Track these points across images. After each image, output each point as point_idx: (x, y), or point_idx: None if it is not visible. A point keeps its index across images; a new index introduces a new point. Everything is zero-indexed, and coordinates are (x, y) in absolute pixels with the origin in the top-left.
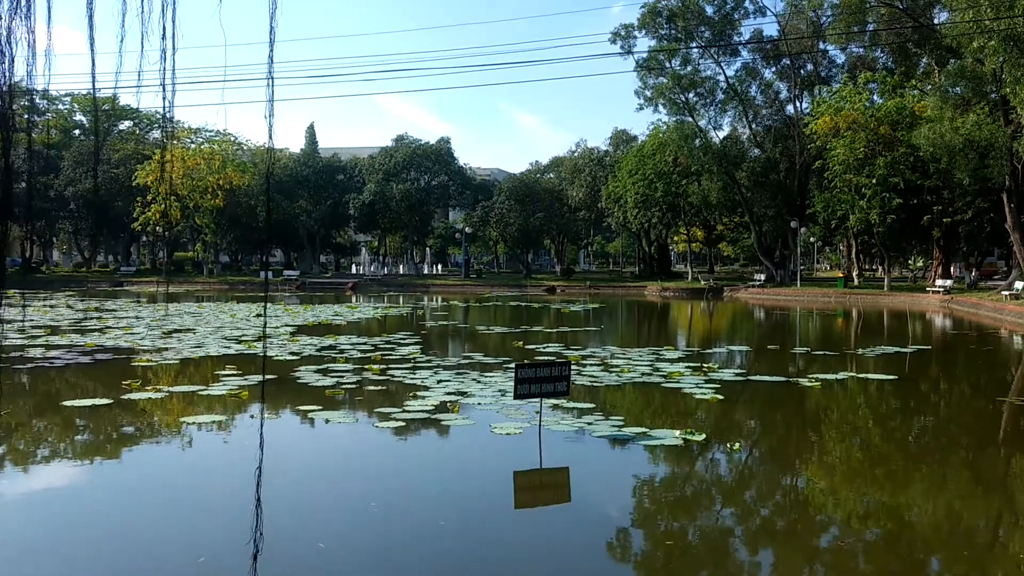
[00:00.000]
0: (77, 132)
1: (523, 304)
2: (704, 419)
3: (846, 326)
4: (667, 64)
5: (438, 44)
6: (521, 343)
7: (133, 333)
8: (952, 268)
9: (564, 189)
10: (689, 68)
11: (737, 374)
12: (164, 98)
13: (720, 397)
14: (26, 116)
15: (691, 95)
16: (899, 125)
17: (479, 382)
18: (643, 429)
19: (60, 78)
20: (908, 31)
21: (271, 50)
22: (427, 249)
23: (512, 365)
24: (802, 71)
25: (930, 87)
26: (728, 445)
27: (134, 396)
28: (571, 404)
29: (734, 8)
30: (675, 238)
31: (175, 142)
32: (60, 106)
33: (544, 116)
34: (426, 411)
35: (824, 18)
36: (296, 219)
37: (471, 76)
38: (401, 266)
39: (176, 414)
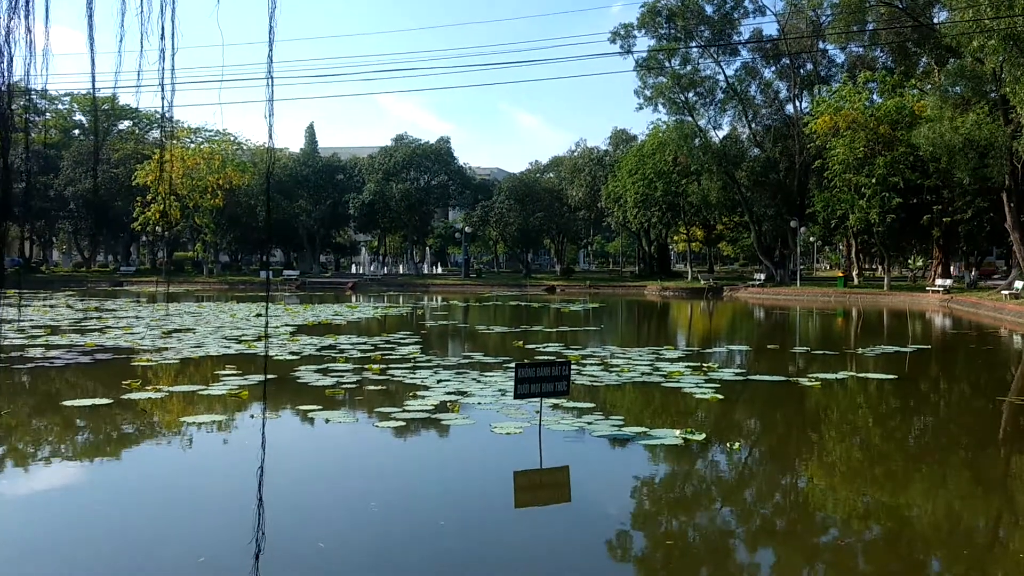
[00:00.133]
0: (76, 132)
1: (523, 304)
2: (704, 419)
3: (846, 325)
4: (667, 64)
5: (438, 44)
6: (521, 343)
7: (133, 333)
8: (951, 268)
9: (564, 189)
10: (689, 67)
11: (737, 374)
12: (163, 98)
13: (720, 397)
14: (25, 116)
15: (691, 94)
16: (899, 124)
17: (479, 382)
18: (643, 429)
19: (60, 78)
20: (908, 30)
21: (271, 50)
22: (427, 249)
23: (512, 365)
24: (802, 70)
25: (930, 86)
26: (728, 445)
27: (134, 396)
28: (571, 404)
29: (734, 7)
30: (675, 238)
31: (175, 142)
32: (59, 106)
33: (544, 116)
34: (426, 411)
35: (824, 17)
36: (296, 219)
37: (471, 76)
38: (401, 266)
39: (176, 414)
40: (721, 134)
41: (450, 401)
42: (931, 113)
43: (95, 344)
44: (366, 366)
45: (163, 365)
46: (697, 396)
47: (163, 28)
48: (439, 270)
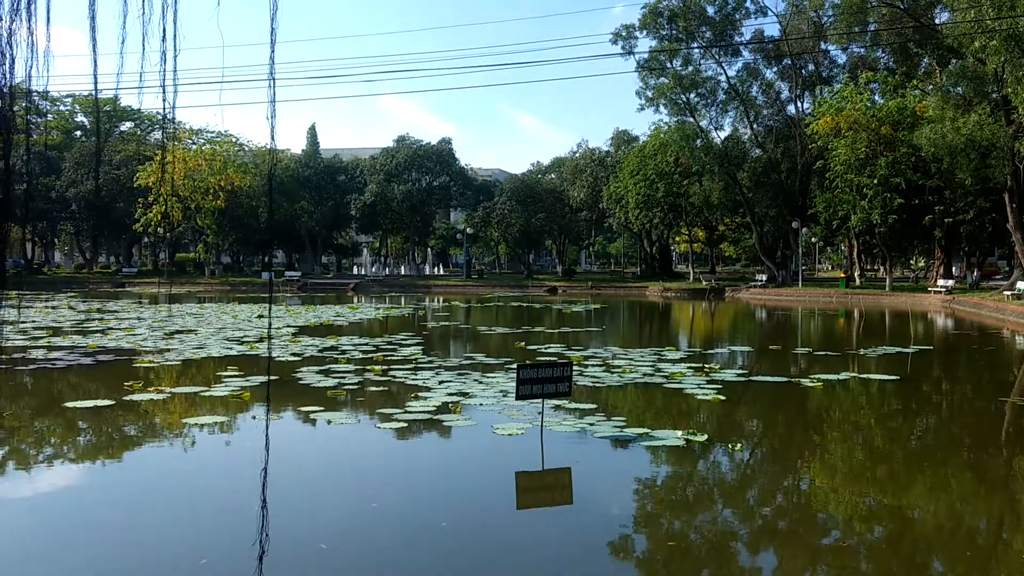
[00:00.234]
0: (78, 133)
1: (525, 305)
2: (706, 420)
3: (848, 326)
4: (668, 64)
5: (439, 45)
6: (523, 344)
7: (135, 334)
8: (953, 268)
9: (565, 189)
10: (690, 68)
11: (739, 374)
12: (164, 100)
13: (722, 398)
14: (27, 117)
15: (692, 95)
16: (900, 125)
17: (481, 383)
18: (645, 430)
19: (62, 79)
20: (909, 31)
21: (272, 51)
22: (428, 250)
23: (514, 366)
24: (803, 71)
25: (931, 87)
26: (730, 446)
27: (136, 397)
28: (573, 405)
29: (735, 8)
30: (677, 238)
31: (177, 143)
32: (61, 107)
33: (545, 117)
34: (428, 412)
35: (825, 18)
36: (297, 220)
37: (472, 77)
38: (403, 267)
39: (178, 415)
40: (723, 135)
41: (452, 402)
42: (933, 114)
43: (97, 345)
44: (368, 367)
45: (165, 366)
46: (699, 397)
47: (164, 30)
48: (441, 271)
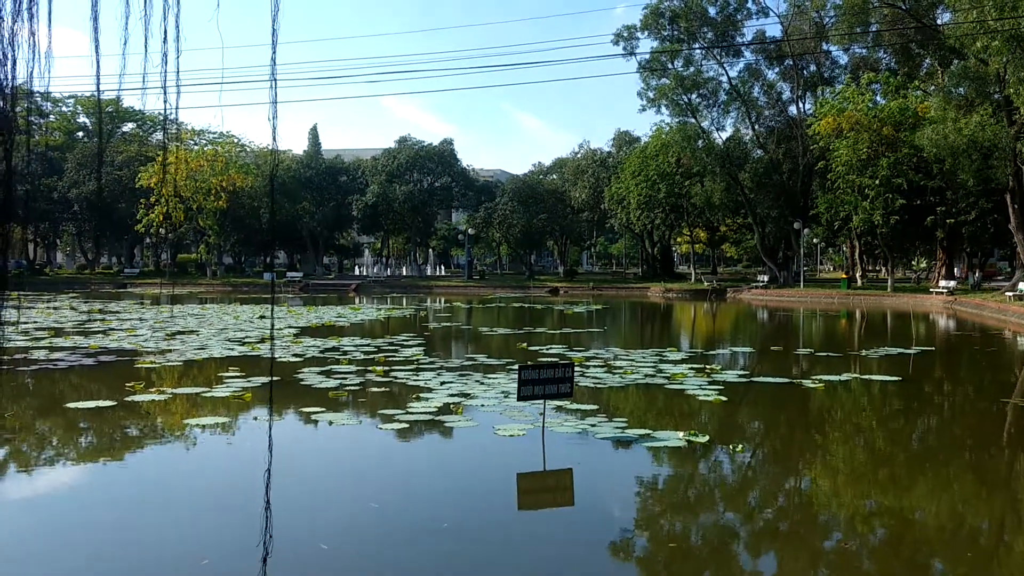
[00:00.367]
0: (80, 134)
1: (526, 305)
2: (708, 421)
3: (849, 327)
4: (670, 65)
5: (441, 46)
6: (524, 344)
7: (136, 335)
8: (955, 269)
9: (567, 190)
10: (692, 69)
11: (740, 375)
12: (165, 101)
13: (723, 399)
14: (28, 118)
15: (694, 96)
16: (902, 126)
17: (482, 384)
18: (646, 431)
19: (64, 80)
20: (911, 32)
21: (274, 52)
22: (430, 251)
23: (515, 367)
24: (805, 72)
25: (933, 88)
26: (731, 447)
27: (138, 398)
28: (574, 406)
29: (737, 9)
30: (678, 239)
31: (178, 144)
32: (63, 108)
33: (547, 117)
34: (429, 413)
35: (827, 19)
36: (299, 221)
37: (473, 78)
38: (404, 268)
39: (180, 416)
40: (724, 136)
41: (453, 403)
42: (935, 114)
43: (99, 346)
44: (369, 368)
45: (167, 367)
46: (700, 398)
47: (165, 31)
48: (442, 272)
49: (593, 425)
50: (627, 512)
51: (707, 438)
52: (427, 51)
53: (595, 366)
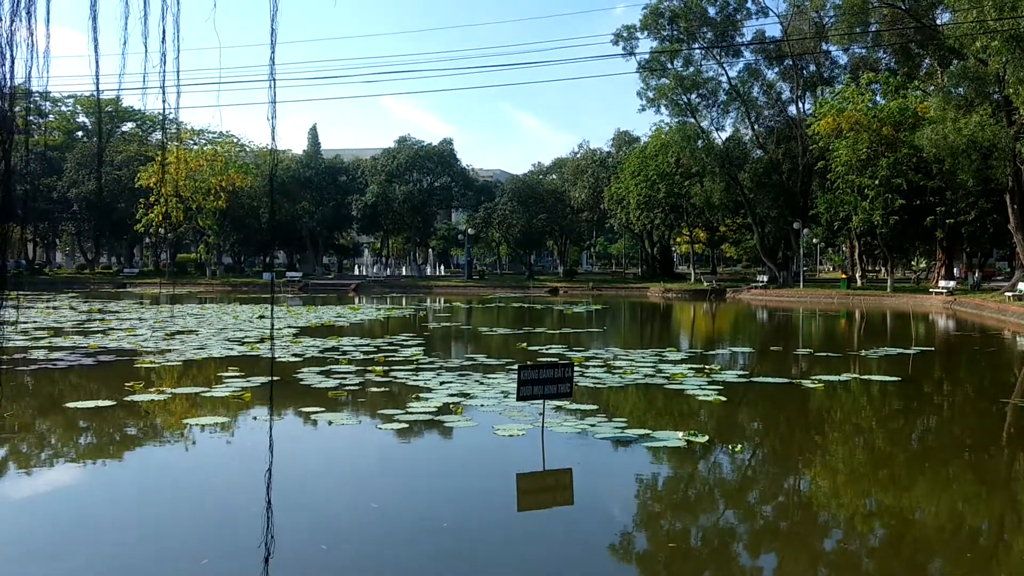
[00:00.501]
0: (80, 134)
1: (526, 305)
2: (707, 421)
3: (849, 327)
4: (669, 65)
5: (440, 46)
6: (524, 344)
7: (136, 335)
8: (954, 269)
9: (567, 190)
10: (691, 69)
11: (740, 375)
12: (164, 101)
13: (723, 399)
14: (27, 118)
15: (693, 96)
16: (902, 126)
17: (482, 384)
18: (646, 431)
19: (63, 80)
20: (911, 32)
21: (272, 52)
22: (430, 250)
23: (515, 367)
24: (805, 72)
25: (933, 88)
26: (731, 447)
27: (137, 398)
28: (574, 406)
29: (736, 9)
30: (678, 239)
31: (178, 144)
32: (63, 108)
33: (546, 117)
34: (429, 413)
35: (827, 19)
36: (299, 220)
37: (473, 78)
38: (404, 267)
39: (179, 416)
40: (724, 136)
41: (453, 403)
42: (934, 114)
43: (98, 346)
44: (369, 368)
45: (166, 367)
46: (700, 398)
47: (163, 31)
48: (442, 272)
49: (593, 425)
50: (627, 512)
51: (706, 438)
52: (426, 51)
53: (595, 366)
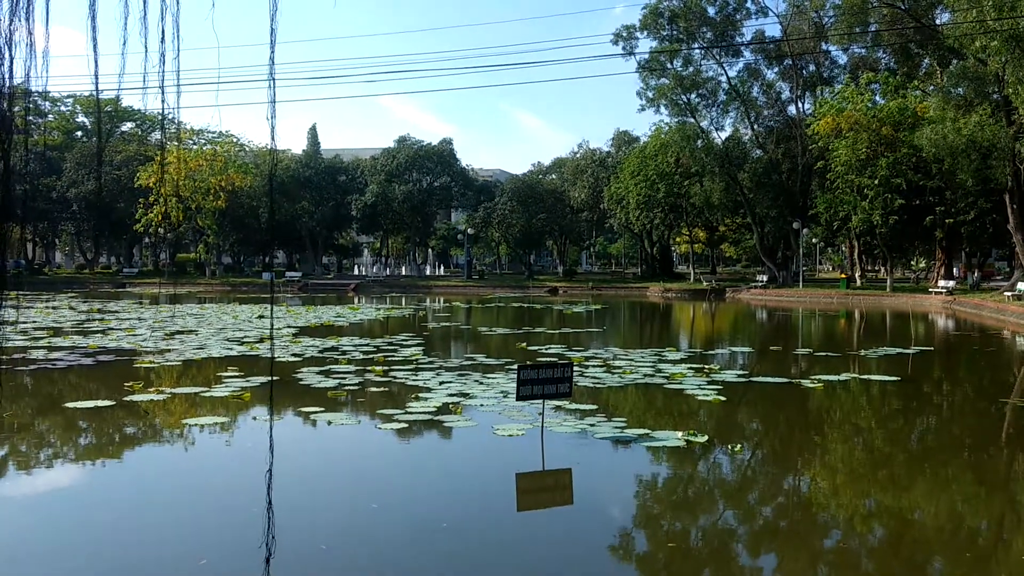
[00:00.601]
0: (79, 134)
1: (525, 305)
2: (706, 421)
3: (848, 327)
4: (669, 65)
5: (440, 45)
6: (523, 344)
7: (135, 335)
8: (953, 269)
9: (566, 190)
10: (691, 69)
11: (739, 375)
12: (163, 101)
13: (722, 398)
14: (27, 118)
15: (693, 96)
16: (901, 126)
17: (481, 383)
18: (645, 431)
19: (63, 80)
20: (910, 32)
21: (272, 51)
22: (429, 250)
23: (514, 366)
24: (804, 72)
25: (932, 88)
26: (730, 447)
27: (137, 398)
28: (573, 406)
29: (736, 9)
30: (677, 239)
31: (177, 143)
32: (62, 107)
33: (546, 117)
34: (428, 413)
35: (826, 19)
36: (298, 220)
37: (473, 77)
38: (403, 267)
39: (179, 416)
40: (723, 135)
41: (452, 403)
42: (933, 114)
43: (97, 346)
44: (368, 368)
45: (165, 367)
46: (699, 398)
47: (163, 31)
48: (441, 272)
49: (592, 425)
50: (626, 512)
51: (706, 438)
52: (426, 51)
53: (594, 366)
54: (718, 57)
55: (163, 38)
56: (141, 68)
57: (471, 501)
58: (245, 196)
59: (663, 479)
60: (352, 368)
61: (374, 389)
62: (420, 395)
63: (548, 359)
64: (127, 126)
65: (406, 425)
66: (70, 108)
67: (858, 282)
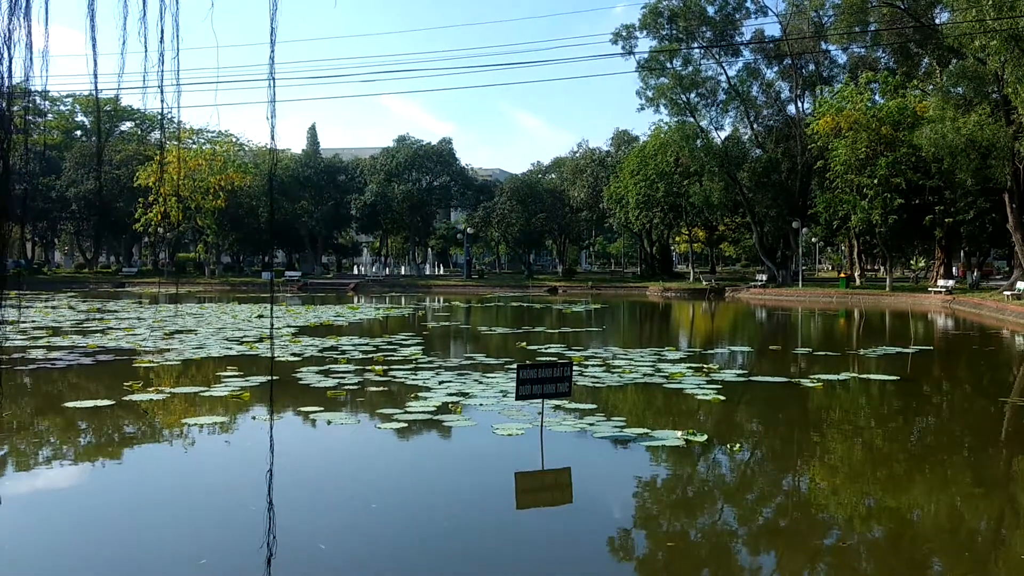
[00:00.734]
0: (79, 133)
1: (525, 305)
2: (706, 420)
3: (848, 327)
4: (668, 64)
5: (440, 44)
6: (523, 344)
7: (135, 334)
8: (953, 268)
9: (566, 189)
10: (690, 68)
11: (739, 375)
12: (163, 100)
13: (722, 398)
14: (26, 117)
15: (692, 95)
16: (901, 125)
17: (481, 383)
18: (645, 430)
19: (62, 79)
20: (910, 31)
21: (272, 51)
22: (429, 250)
23: (514, 366)
24: (804, 71)
25: (932, 87)
26: (730, 446)
27: (136, 397)
28: (573, 405)
29: (735, 8)
30: (677, 238)
31: (176, 143)
32: (61, 107)
33: (546, 116)
34: (428, 412)
35: (826, 18)
36: (298, 220)
37: (473, 77)
38: (403, 267)
39: (178, 416)
40: (723, 135)
41: (452, 402)
42: (933, 114)
43: (97, 345)
44: (368, 367)
45: (165, 366)
46: (699, 397)
47: (162, 31)
48: (441, 271)
49: (592, 424)
50: (626, 511)
51: (705, 437)
52: (425, 50)
53: (594, 365)
54: (718, 56)
55: (162, 37)
56: (140, 67)
57: (471, 500)
58: (245, 195)
59: (662, 478)
60: (352, 368)
61: (374, 389)
62: (420, 395)
63: (547, 358)
64: (126, 125)
65: (406, 425)
66: (69, 107)
67: (857, 281)
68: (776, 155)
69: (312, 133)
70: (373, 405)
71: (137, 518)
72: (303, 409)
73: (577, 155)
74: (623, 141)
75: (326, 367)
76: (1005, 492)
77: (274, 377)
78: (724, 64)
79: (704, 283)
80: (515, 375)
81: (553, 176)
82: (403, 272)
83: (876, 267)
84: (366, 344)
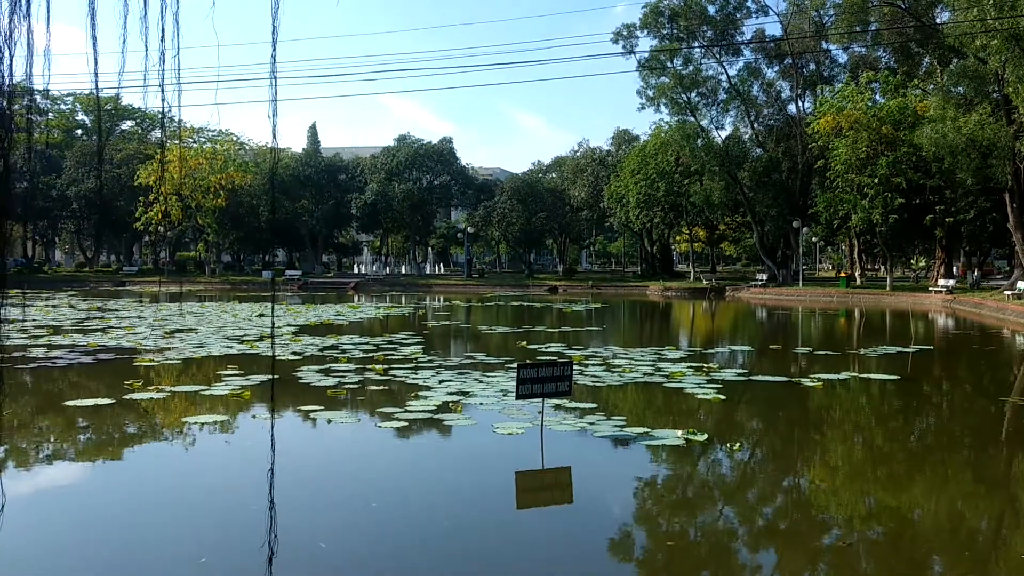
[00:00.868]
0: (79, 132)
1: (525, 304)
2: (706, 419)
3: (848, 326)
4: (669, 64)
5: (440, 44)
6: (523, 343)
7: (135, 333)
8: (953, 268)
9: (566, 189)
10: (691, 68)
11: (739, 374)
12: (163, 99)
13: (722, 397)
14: (27, 116)
15: (693, 95)
16: (901, 125)
17: (481, 382)
18: (645, 429)
19: (63, 78)
20: (910, 31)
21: (274, 50)
22: (429, 249)
23: (514, 365)
24: (804, 70)
25: (932, 87)
26: (730, 445)
27: (136, 396)
28: (573, 404)
29: (736, 8)
30: (677, 238)
31: (177, 142)
32: (62, 106)
33: (546, 116)
34: (428, 411)
35: (826, 17)
36: (298, 219)
37: (473, 76)
38: (403, 266)
39: (179, 414)
40: (723, 134)
41: (452, 401)
42: (934, 113)
43: (97, 344)
44: (368, 366)
45: (165, 365)
46: (699, 397)
47: (163, 30)
48: (441, 270)
49: (592, 423)
50: (626, 510)
51: (706, 436)
52: (426, 49)
53: (594, 364)
54: (718, 56)
55: (163, 36)
56: (141, 66)
57: (471, 500)
58: (245, 194)
59: (663, 478)
60: (352, 366)
61: (374, 388)
62: (420, 394)
63: (548, 358)
64: (127, 124)
65: (406, 424)
66: (70, 106)
67: (858, 281)
68: (777, 154)
69: (313, 132)
70: (373, 404)
71: (137, 517)
72: (303, 408)
73: (577, 154)
74: (623, 140)
75: (326, 366)
76: (1005, 492)
77: (275, 376)
78: (725, 63)
79: (704, 282)
80: (515, 374)
81: (554, 175)
82: (403, 271)
83: (876, 267)
84: (366, 343)
